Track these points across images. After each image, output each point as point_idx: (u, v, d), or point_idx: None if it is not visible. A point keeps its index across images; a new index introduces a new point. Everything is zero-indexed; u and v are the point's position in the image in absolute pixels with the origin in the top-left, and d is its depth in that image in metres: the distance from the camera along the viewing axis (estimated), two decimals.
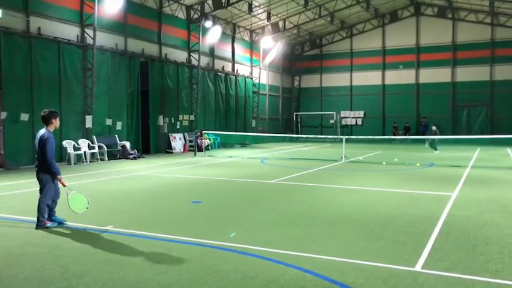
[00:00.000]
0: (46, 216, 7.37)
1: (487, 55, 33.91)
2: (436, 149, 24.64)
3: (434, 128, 25.80)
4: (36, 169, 7.44)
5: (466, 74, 34.63)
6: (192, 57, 26.62)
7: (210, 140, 26.40)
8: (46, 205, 7.36)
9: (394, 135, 34.32)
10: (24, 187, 11.91)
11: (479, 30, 33.97)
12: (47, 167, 7.26)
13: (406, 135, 33.78)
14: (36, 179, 7.49)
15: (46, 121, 7.55)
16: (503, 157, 21.14)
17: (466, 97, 34.60)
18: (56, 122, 7.64)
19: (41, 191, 7.41)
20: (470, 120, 34.77)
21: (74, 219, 7.94)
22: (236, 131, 29.85)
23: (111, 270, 5.33)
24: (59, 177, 7.39)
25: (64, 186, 7.44)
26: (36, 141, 7.39)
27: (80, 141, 18.85)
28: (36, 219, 7.35)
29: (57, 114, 7.73)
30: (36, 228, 7.23)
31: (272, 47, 34.39)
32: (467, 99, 34.58)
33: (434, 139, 24.80)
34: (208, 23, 26.18)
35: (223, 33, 29.49)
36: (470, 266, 5.48)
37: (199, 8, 26.19)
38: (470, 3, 31.75)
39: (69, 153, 18.01)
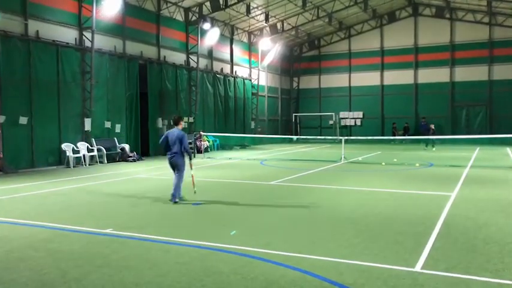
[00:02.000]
0: (180, 192, 9.94)
1: (485, 55, 33.95)
2: (433, 147, 25.98)
3: (432, 126, 26.85)
4: (173, 158, 9.94)
5: (465, 73, 34.66)
6: (190, 59, 26.63)
7: (209, 141, 26.41)
8: (181, 184, 9.98)
9: (394, 135, 34.32)
10: (23, 191, 11.90)
11: (478, 30, 34.00)
12: (187, 153, 9.92)
13: (405, 135, 33.80)
14: (170, 166, 10.15)
15: (176, 123, 10.20)
16: (502, 157, 21.15)
17: (465, 97, 34.63)
18: (183, 123, 10.30)
19: (178, 174, 9.95)
20: (469, 120, 34.79)
21: (73, 222, 7.95)
22: (235, 133, 29.84)
23: (111, 273, 5.33)
24: (192, 161, 10.17)
25: (191, 168, 10.21)
26: (174, 136, 9.91)
27: (79, 144, 18.83)
28: (172, 194, 9.82)
29: (182, 118, 10.54)
30: (173, 202, 9.75)
31: (270, 48, 34.40)
32: (466, 99, 34.61)
33: (431, 139, 25.88)
34: (206, 25, 26.18)
35: (222, 35, 29.50)
36: (470, 265, 5.48)
37: (197, 10, 26.21)
38: (468, 3, 31.79)
39: (68, 156, 18.00)
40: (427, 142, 26.81)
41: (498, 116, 33.49)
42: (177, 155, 9.92)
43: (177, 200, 9.81)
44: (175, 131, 10.03)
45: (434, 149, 25.92)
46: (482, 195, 10.47)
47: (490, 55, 33.82)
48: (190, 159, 10.11)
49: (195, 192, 10.34)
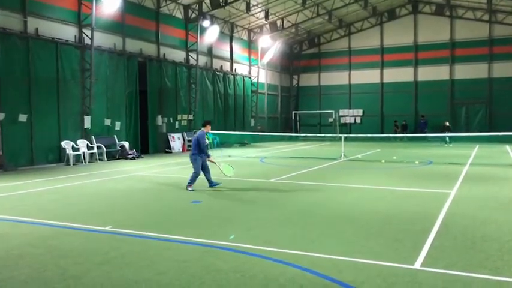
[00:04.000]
0: (193, 184, 11.23)
1: (485, 52, 33.92)
2: (446, 143, 28.10)
3: (447, 123, 28.49)
4: (192, 154, 11.42)
5: (465, 71, 34.63)
6: (190, 57, 26.59)
7: (208, 139, 26.22)
8: (196, 176, 11.23)
9: (396, 133, 34.29)
10: (22, 188, 11.90)
11: (477, 28, 33.96)
12: (202, 152, 11.34)
13: (403, 133, 33.77)
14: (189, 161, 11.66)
15: (204, 125, 11.89)
16: (501, 154, 21.16)
17: (465, 95, 34.62)
18: (209, 127, 11.90)
19: (193, 167, 11.38)
20: (469, 118, 34.79)
21: (73, 219, 7.96)
22: (235, 131, 29.80)
23: (110, 271, 5.33)
24: (210, 158, 11.62)
25: (214, 163, 11.87)
26: (196, 136, 11.38)
27: (78, 141, 18.82)
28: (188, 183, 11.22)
29: (210, 122, 12.20)
30: (187, 189, 11.10)
31: (270, 46, 34.35)
32: (466, 97, 34.60)
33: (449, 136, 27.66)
34: (206, 23, 26.13)
35: (221, 33, 29.45)
36: (469, 263, 5.48)
37: (197, 8, 26.16)
38: (468, 0, 31.75)
39: (67, 153, 17.98)
40: (448, 139, 28.08)
41: (498, 113, 33.48)
42: (193, 153, 11.38)
43: (190, 189, 11.08)
44: (198, 132, 11.59)
45: (446, 145, 27.54)
46: (482, 193, 10.47)
47: (490, 53, 33.79)
48: (208, 156, 11.60)
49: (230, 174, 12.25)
